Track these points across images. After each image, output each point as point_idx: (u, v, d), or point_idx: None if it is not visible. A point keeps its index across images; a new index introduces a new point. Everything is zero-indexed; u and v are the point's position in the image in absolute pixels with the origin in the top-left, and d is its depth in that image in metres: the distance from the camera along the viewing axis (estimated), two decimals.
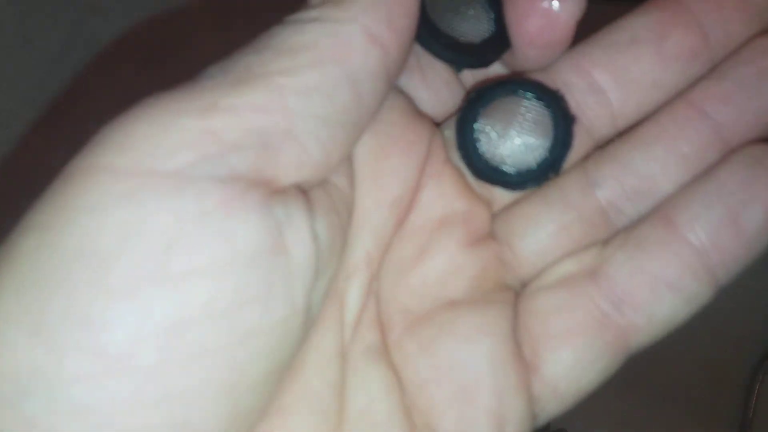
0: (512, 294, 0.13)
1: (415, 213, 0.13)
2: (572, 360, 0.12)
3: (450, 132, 0.14)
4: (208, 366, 0.09)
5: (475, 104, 0.13)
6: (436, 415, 0.12)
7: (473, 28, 0.13)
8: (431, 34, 0.13)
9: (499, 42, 0.13)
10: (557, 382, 0.13)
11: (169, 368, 0.09)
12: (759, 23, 0.12)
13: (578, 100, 0.13)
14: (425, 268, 0.13)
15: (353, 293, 0.13)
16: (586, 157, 0.13)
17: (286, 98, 0.10)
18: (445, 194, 0.13)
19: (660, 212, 0.12)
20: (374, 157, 0.13)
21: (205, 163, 0.09)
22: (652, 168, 0.12)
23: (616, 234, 0.13)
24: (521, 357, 0.13)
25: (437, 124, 0.14)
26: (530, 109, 0.13)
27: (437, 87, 0.14)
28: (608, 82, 0.13)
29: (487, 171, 0.13)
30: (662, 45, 0.13)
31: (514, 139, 0.13)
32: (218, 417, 0.09)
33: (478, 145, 0.13)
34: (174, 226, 0.09)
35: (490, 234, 0.14)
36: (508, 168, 0.13)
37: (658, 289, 0.12)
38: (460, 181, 0.14)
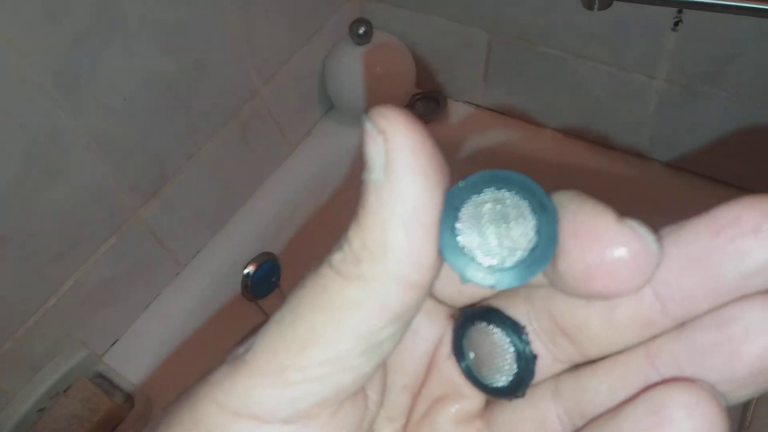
0: None
1: (428, 386, 0.16)
2: None
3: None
4: None
5: (461, 329, 0.15)
6: None
7: (500, 248, 0.13)
8: (452, 253, 0.13)
9: (521, 273, 0.13)
10: None
11: None
12: (724, 291, 0.12)
13: (545, 335, 0.14)
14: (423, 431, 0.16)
15: None
16: (563, 372, 0.15)
17: (344, 355, 0.12)
18: (449, 377, 0.16)
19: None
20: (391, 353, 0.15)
21: (280, 409, 0.13)
22: (599, 397, 0.14)
23: None
24: None
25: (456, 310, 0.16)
26: (501, 343, 0.15)
27: (453, 280, 0.15)
28: (571, 333, 0.14)
29: (472, 380, 0.15)
30: (613, 313, 0.13)
31: (490, 362, 0.15)
32: None
33: (465, 360, 0.15)
34: None
35: (480, 415, 0.16)
36: (487, 382, 0.15)
37: None
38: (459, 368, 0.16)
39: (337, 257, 0.13)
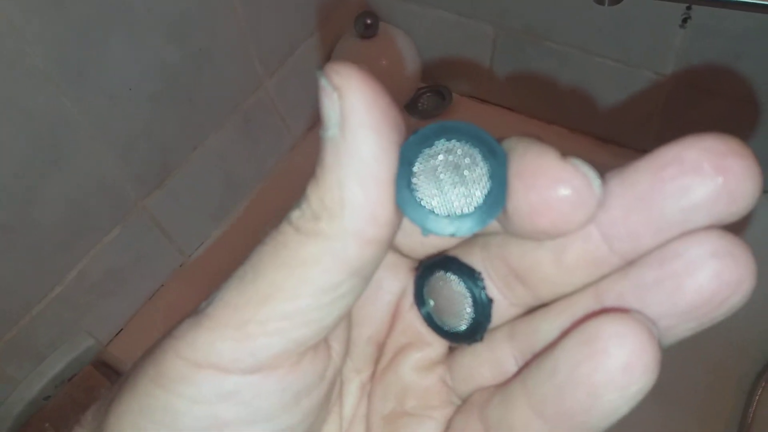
0: (449, 410, 0.16)
1: (392, 336, 0.17)
2: None
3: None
4: None
5: (420, 278, 0.16)
6: None
7: (457, 199, 0.13)
8: (405, 203, 0.13)
9: (480, 218, 0.13)
10: None
11: None
12: (667, 229, 0.12)
13: (501, 281, 0.15)
14: (389, 383, 0.17)
15: (350, 393, 0.17)
16: (519, 316, 0.16)
17: (303, 306, 0.13)
18: (412, 326, 0.17)
19: (519, 375, 0.14)
20: (355, 306, 0.15)
21: (241, 358, 0.13)
22: (549, 332, 0.14)
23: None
24: None
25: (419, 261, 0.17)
26: (459, 289, 0.15)
27: (414, 232, 0.15)
28: (524, 276, 0.14)
29: (433, 327, 0.16)
30: (562, 254, 0.13)
31: (450, 309, 0.16)
32: None
33: (426, 308, 0.16)
34: (219, 396, 0.13)
35: (442, 361, 0.17)
36: (447, 328, 0.16)
37: None
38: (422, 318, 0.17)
39: (296, 214, 0.13)
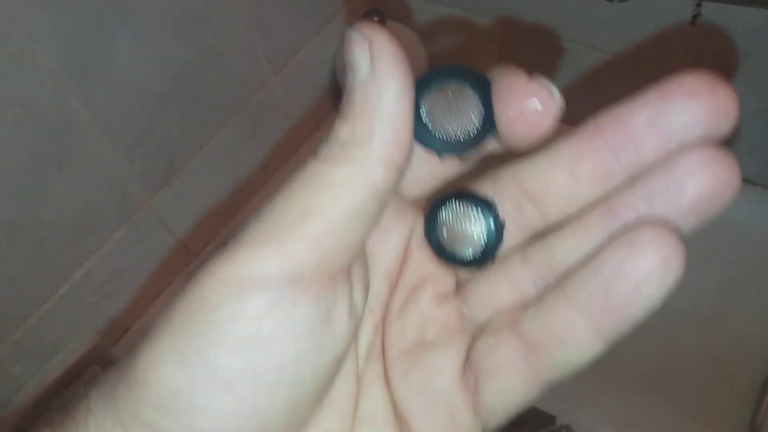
0: (468, 338, 0.17)
1: (403, 277, 0.18)
2: (497, 388, 0.16)
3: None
4: (280, 394, 0.15)
5: (433, 211, 0.18)
6: (412, 421, 0.17)
7: (459, 122, 0.16)
8: (420, 133, 0.16)
9: (479, 134, 0.16)
10: (490, 405, 0.17)
11: (258, 394, 0.14)
12: (668, 142, 0.14)
13: (513, 207, 0.17)
14: (407, 317, 0.18)
15: (364, 333, 0.18)
16: (528, 242, 0.17)
17: (336, 225, 0.14)
18: (424, 261, 0.18)
19: (560, 284, 0.16)
20: (371, 243, 0.18)
21: (282, 272, 0.14)
22: (567, 252, 0.16)
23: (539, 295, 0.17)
24: (468, 384, 0.17)
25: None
26: (472, 215, 0.17)
27: (422, 172, 0.17)
28: (539, 194, 0.16)
29: (444, 257, 0.17)
30: (574, 169, 0.16)
31: (462, 236, 0.17)
32: (283, 422, 0.15)
33: (438, 239, 0.17)
34: (261, 311, 0.14)
35: (454, 293, 0.18)
36: (458, 256, 0.17)
37: (554, 340, 0.16)
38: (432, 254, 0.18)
39: (323, 151, 0.15)
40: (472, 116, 0.16)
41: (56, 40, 0.39)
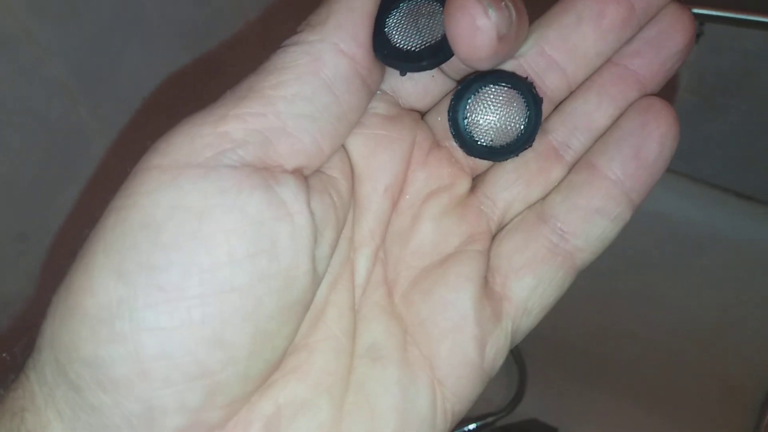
0: (488, 241, 0.17)
1: (408, 192, 0.17)
2: (533, 283, 0.16)
3: (441, 119, 0.17)
4: (234, 298, 0.13)
5: (462, 95, 0.16)
6: (432, 346, 0.16)
7: (421, 38, 0.16)
8: (380, 44, 0.16)
9: (439, 52, 0.16)
10: (525, 303, 0.16)
11: (208, 299, 0.13)
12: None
13: (542, 79, 0.17)
14: (420, 232, 0.17)
15: (362, 261, 0.17)
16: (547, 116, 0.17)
17: (276, 105, 0.14)
18: (431, 174, 0.17)
19: (584, 159, 0.16)
20: (366, 156, 0.17)
21: (221, 156, 0.13)
22: (588, 109, 0.17)
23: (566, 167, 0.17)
24: (494, 293, 0.16)
25: (424, 114, 0.18)
26: (508, 96, 0.16)
27: (421, 81, 0.17)
28: (564, 60, 0.16)
29: (477, 149, 0.16)
30: (601, 21, 0.16)
31: (498, 121, 0.16)
32: (245, 336, 0.13)
33: (469, 130, 0.16)
34: (203, 201, 0.13)
35: (472, 189, 0.17)
36: (494, 145, 0.16)
37: (588, 216, 0.16)
38: (443, 160, 0.17)
39: (294, 37, 0.15)
40: (436, 28, 0.16)
41: (66, 51, 0.39)
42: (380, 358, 0.15)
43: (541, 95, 0.16)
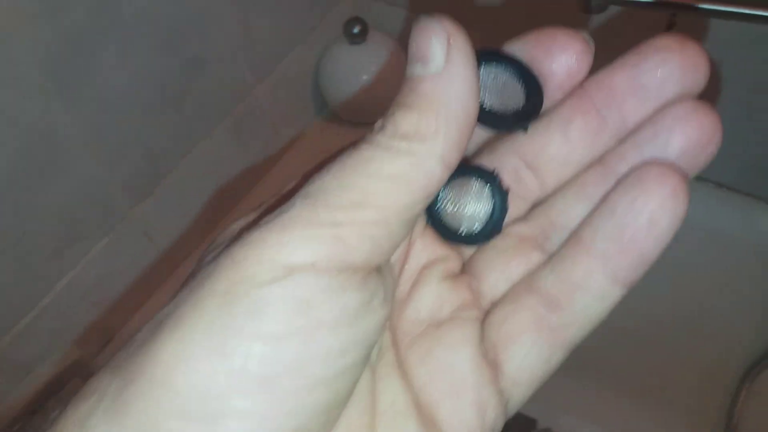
0: (481, 313, 0.17)
1: (409, 263, 0.18)
2: (522, 354, 0.16)
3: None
4: (322, 388, 0.14)
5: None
6: (435, 408, 0.16)
7: (506, 102, 0.16)
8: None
9: (525, 113, 0.16)
10: (514, 375, 0.16)
11: (298, 389, 0.13)
12: (648, 100, 0.15)
13: (512, 176, 0.17)
14: (417, 299, 0.17)
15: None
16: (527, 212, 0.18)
17: (392, 225, 0.14)
18: (427, 247, 0.18)
19: (573, 234, 0.16)
20: None
21: (335, 261, 0.13)
22: (564, 206, 0.16)
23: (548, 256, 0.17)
24: (488, 360, 0.16)
25: None
26: (476, 188, 0.17)
27: None
28: (533, 161, 0.17)
29: (449, 235, 0.17)
30: (567, 129, 0.16)
31: (467, 211, 0.17)
32: (320, 428, 0.14)
33: (441, 219, 0.17)
34: (313, 296, 0.13)
35: (462, 271, 0.18)
36: (464, 232, 0.17)
37: (575, 292, 0.16)
38: (437, 236, 0.18)
39: (381, 139, 0.14)
40: (520, 92, 0.16)
41: (41, 50, 0.39)
42: (398, 417, 0.16)
43: (506, 188, 0.17)
